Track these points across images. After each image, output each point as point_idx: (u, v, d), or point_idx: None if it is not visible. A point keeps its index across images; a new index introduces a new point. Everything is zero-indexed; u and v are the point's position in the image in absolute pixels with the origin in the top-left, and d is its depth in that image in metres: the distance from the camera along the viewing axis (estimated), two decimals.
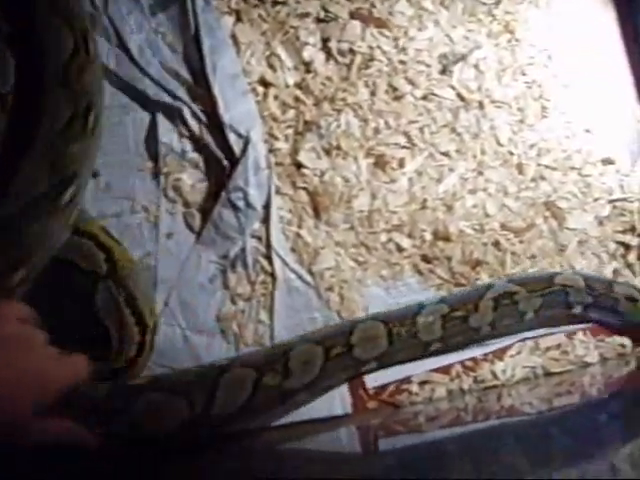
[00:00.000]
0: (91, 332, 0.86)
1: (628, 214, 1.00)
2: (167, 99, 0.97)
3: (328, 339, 0.88)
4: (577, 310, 0.94)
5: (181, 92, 0.98)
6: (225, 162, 0.96)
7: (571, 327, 0.95)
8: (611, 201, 1.00)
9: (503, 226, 0.98)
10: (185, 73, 0.98)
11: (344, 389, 0.91)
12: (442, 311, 0.90)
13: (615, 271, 0.99)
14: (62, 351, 0.71)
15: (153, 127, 0.98)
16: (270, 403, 0.85)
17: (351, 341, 0.87)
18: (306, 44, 1.00)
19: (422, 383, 0.92)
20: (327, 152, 0.98)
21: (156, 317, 0.90)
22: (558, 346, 0.94)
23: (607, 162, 1.01)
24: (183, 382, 0.83)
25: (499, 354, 0.93)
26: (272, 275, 0.96)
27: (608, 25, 1.05)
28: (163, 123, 0.98)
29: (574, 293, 0.93)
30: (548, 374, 0.92)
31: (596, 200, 1.00)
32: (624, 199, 1.00)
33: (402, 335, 0.88)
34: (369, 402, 0.91)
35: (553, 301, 0.92)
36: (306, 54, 1.00)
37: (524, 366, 0.93)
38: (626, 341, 0.94)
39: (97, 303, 0.86)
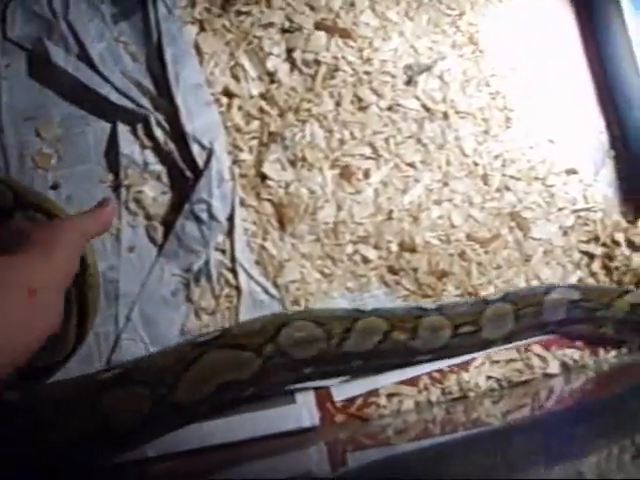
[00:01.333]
0: None
1: (592, 224, 1.01)
2: (130, 105, 0.97)
3: (459, 317, 0.91)
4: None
5: (144, 101, 0.97)
6: (188, 174, 0.95)
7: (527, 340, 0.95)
8: (575, 211, 1.02)
9: (469, 237, 0.99)
10: (148, 83, 0.98)
11: (311, 401, 0.91)
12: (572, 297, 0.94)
13: (580, 280, 1.01)
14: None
15: (114, 138, 0.98)
16: (395, 354, 0.90)
17: (480, 321, 0.91)
18: (270, 54, 1.00)
19: (390, 395, 0.92)
20: (292, 163, 0.99)
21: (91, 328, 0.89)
22: (518, 359, 0.94)
23: (570, 172, 1.03)
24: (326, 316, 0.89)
25: (464, 366, 0.93)
26: (237, 288, 0.95)
27: (571, 37, 1.07)
28: (124, 134, 0.98)
29: None
30: (512, 385, 0.93)
31: (560, 210, 1.02)
32: (587, 209, 1.02)
33: (527, 315, 0.93)
34: (337, 415, 0.91)
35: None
36: (270, 64, 1.00)
37: (488, 376, 0.93)
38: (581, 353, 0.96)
39: None
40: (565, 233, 1.01)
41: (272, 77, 1.00)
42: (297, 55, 1.00)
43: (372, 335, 0.88)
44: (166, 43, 0.99)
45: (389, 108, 1.01)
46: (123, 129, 0.98)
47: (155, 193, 0.96)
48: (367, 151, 1.00)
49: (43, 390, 0.84)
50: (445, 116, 1.02)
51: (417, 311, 0.93)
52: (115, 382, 0.82)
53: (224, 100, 0.99)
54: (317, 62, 1.00)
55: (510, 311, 0.92)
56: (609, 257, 1.00)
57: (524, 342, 0.95)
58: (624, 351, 0.96)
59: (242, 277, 0.96)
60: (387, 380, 0.91)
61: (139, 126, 0.97)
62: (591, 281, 1.01)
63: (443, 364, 0.93)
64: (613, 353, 0.95)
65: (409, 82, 1.02)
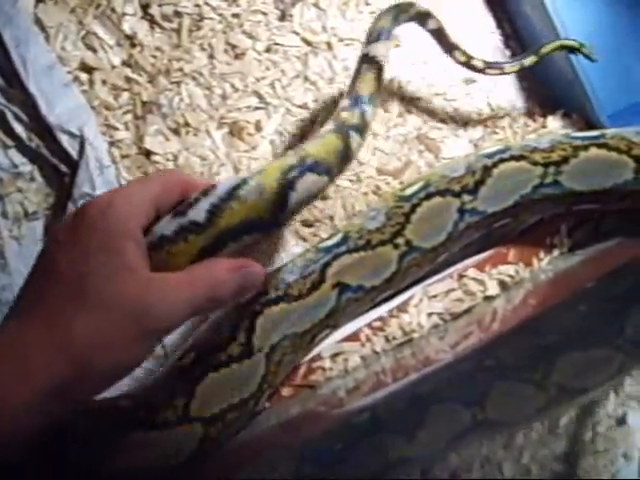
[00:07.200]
0: None
1: (501, 131, 1.02)
2: None
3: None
4: None
5: None
6: (63, 168, 0.91)
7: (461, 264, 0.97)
8: (481, 121, 1.02)
9: (379, 171, 0.99)
10: None
11: None
12: None
13: None
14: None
15: None
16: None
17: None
18: (124, 15, 0.95)
19: (333, 356, 0.92)
20: (175, 132, 0.95)
21: None
22: (455, 288, 0.95)
23: (469, 81, 1.03)
24: None
25: (403, 307, 0.94)
26: None
27: None
28: None
29: None
30: (455, 317, 0.94)
31: (466, 123, 1.02)
32: (494, 117, 1.03)
33: None
34: (283, 389, 0.91)
35: None
36: (127, 26, 0.95)
37: (429, 313, 0.94)
38: (516, 268, 0.97)
39: None
40: (476, 146, 1.02)
41: (132, 40, 0.95)
42: (154, 10, 0.95)
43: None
44: (1, 24, 0.92)
45: (267, 50, 0.98)
46: None
47: (33, 196, 0.91)
48: (253, 101, 0.97)
49: None
50: (329, 47, 0.99)
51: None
52: None
53: (84, 77, 0.94)
54: (178, 14, 0.96)
55: None
56: None
57: (456, 267, 0.96)
58: (556, 255, 0.98)
59: None
60: (327, 341, 0.92)
61: None
62: None
63: (381, 310, 0.93)
64: (547, 260, 0.97)
65: (283, 17, 0.99)
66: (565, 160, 0.88)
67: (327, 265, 0.83)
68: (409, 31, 1.01)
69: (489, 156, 0.88)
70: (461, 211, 0.86)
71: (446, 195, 0.86)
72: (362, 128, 0.80)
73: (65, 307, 0.57)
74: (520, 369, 0.81)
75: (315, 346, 0.89)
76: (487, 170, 0.87)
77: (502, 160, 0.88)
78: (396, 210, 0.86)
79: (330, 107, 0.98)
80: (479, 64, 0.94)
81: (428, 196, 0.86)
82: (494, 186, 0.87)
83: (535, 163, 0.88)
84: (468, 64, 0.94)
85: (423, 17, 0.92)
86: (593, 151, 0.88)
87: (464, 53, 0.93)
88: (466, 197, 0.86)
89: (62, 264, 0.59)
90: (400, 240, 0.84)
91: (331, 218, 0.97)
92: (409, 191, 0.87)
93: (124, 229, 0.61)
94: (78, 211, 0.62)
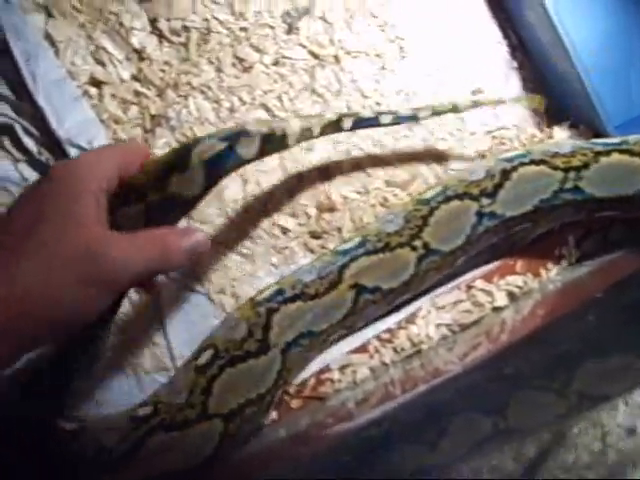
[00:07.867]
0: None
1: (508, 142, 1.03)
2: None
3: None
4: None
5: (6, 109, 0.92)
6: None
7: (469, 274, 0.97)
8: (488, 132, 1.03)
9: (388, 183, 1.00)
10: (4, 89, 0.92)
11: None
12: None
13: None
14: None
15: None
16: None
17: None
18: (133, 29, 0.96)
19: (342, 368, 0.93)
20: None
21: None
22: (464, 299, 0.96)
23: (476, 92, 1.04)
24: None
25: (411, 318, 0.95)
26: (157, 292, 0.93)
27: None
28: None
29: None
30: (463, 328, 0.95)
31: (473, 134, 1.03)
32: (501, 128, 1.03)
33: None
34: (292, 401, 0.92)
35: None
36: (135, 41, 0.96)
37: (438, 324, 0.95)
38: (524, 278, 0.98)
39: None
40: (483, 157, 1.02)
41: (141, 55, 0.96)
42: (163, 25, 0.96)
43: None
44: (12, 39, 0.93)
45: (275, 63, 0.99)
46: None
47: None
48: (261, 114, 0.98)
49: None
50: (336, 59, 1.00)
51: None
52: None
53: (93, 91, 0.95)
54: (186, 28, 0.97)
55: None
56: None
57: (464, 278, 0.97)
58: (564, 265, 0.99)
59: (158, 278, 0.93)
60: (336, 353, 0.92)
61: (4, 138, 0.92)
62: None
63: (389, 322, 0.94)
64: (555, 271, 0.98)
65: (290, 30, 0.99)
66: (586, 165, 0.88)
67: (345, 267, 0.84)
68: (413, 39, 1.03)
69: (509, 160, 0.89)
70: (480, 214, 0.86)
71: (465, 198, 0.86)
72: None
73: (12, 249, 0.60)
74: (536, 378, 0.81)
75: (329, 346, 0.90)
76: (506, 174, 0.87)
77: (522, 164, 0.88)
78: (415, 213, 0.86)
79: None
80: (406, 113, 0.91)
81: (447, 199, 0.87)
82: (513, 190, 0.87)
83: (555, 168, 0.88)
84: (397, 122, 0.91)
85: (336, 125, 0.86)
86: (615, 157, 0.88)
87: (389, 112, 0.90)
88: (485, 201, 0.86)
89: (16, 214, 0.63)
90: (418, 243, 0.85)
91: (339, 230, 0.98)
92: (428, 194, 0.88)
93: (84, 185, 0.64)
94: (47, 171, 0.66)
